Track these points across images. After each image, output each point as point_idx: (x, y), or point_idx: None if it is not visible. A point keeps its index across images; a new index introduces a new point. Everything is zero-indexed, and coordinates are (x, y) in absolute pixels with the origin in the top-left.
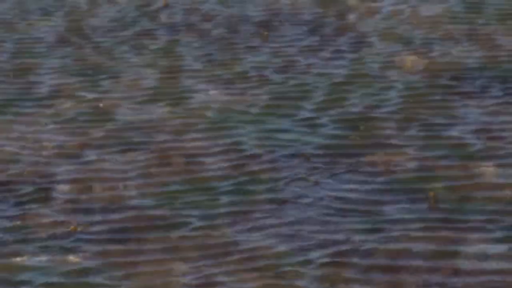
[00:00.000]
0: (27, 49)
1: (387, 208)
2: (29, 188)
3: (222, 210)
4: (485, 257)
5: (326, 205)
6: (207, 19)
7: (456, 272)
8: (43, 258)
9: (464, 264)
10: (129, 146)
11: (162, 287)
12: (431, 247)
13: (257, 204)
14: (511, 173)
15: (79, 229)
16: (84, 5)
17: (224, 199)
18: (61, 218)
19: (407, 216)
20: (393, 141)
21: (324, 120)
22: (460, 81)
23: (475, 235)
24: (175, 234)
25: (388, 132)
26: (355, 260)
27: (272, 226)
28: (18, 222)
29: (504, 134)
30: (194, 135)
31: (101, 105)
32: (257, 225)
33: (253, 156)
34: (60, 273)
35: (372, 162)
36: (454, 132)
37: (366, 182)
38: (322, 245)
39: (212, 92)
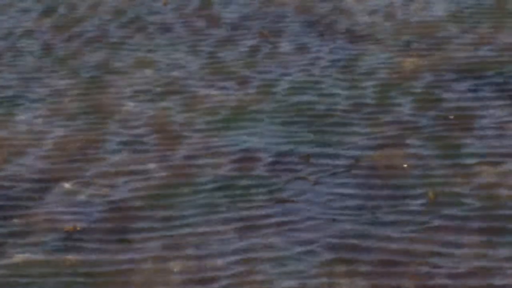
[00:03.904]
0: None
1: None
2: (27, 185)
3: (221, 209)
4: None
5: (326, 205)
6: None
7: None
8: (41, 256)
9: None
10: (130, 144)
11: (162, 285)
12: (430, 248)
13: (256, 203)
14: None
15: (78, 228)
16: None
17: (224, 198)
18: (60, 216)
19: (405, 217)
20: (392, 140)
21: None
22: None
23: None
24: (175, 233)
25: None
26: (352, 259)
27: (271, 225)
28: (16, 220)
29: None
30: (195, 135)
31: None
32: (256, 224)
33: (253, 155)
34: (58, 272)
35: (371, 161)
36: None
37: (364, 182)
38: (321, 246)
39: (214, 91)
